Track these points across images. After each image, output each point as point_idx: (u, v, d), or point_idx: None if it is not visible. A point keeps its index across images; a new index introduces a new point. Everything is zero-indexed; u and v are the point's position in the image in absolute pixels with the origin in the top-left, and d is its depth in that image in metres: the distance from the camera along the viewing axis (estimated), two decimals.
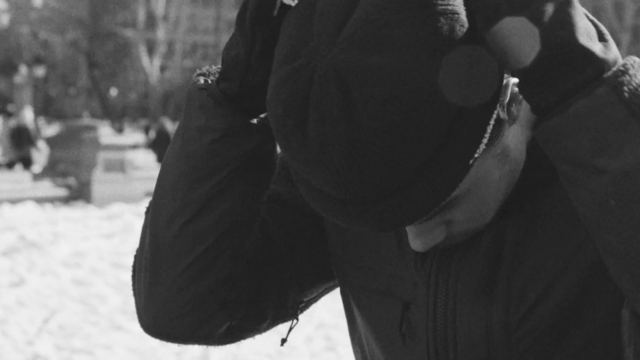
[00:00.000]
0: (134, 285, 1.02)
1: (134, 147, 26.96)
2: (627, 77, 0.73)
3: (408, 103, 0.72)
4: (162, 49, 50.11)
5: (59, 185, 12.94)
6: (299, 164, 0.78)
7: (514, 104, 0.84)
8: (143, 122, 51.75)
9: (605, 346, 0.86)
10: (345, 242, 1.01)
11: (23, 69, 35.24)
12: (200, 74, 0.96)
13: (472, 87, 0.75)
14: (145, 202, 5.87)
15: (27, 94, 32.59)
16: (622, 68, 0.74)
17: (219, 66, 0.95)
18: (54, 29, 54.22)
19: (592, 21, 0.82)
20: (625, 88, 0.73)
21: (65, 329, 6.06)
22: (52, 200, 12.50)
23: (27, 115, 19.53)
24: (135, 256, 1.01)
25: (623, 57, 0.79)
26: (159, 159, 19.06)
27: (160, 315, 0.98)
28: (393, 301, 0.95)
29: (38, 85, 39.43)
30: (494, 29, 0.74)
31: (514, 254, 0.88)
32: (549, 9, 0.74)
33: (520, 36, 0.74)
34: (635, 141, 0.72)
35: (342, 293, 1.06)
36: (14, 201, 11.90)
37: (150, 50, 50.20)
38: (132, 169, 14.44)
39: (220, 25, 57.45)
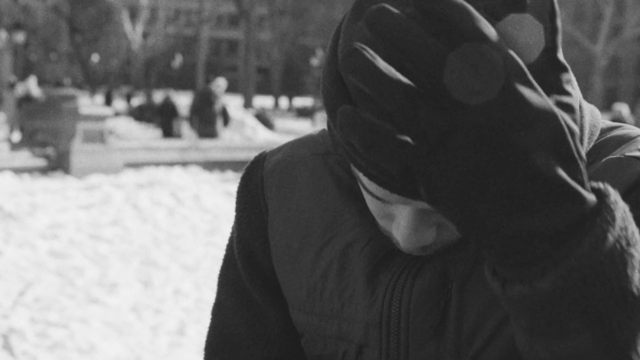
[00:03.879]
0: None
1: (116, 114, 26.85)
2: (578, 281, 0.61)
3: None
4: (145, 15, 49.64)
5: (37, 156, 12.87)
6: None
7: None
8: (125, 89, 51.45)
9: None
10: (298, 293, 1.02)
11: (3, 34, 34.83)
12: None
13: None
14: (125, 174, 5.85)
15: (6, 59, 32.26)
16: (574, 264, 0.61)
17: None
18: None
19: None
20: (574, 294, 0.62)
21: (41, 302, 6.08)
22: (30, 170, 12.43)
23: (33, 85, 19.47)
24: None
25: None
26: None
27: None
28: (347, 344, 0.96)
29: (18, 51, 38.99)
30: None
31: (462, 294, 0.88)
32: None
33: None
34: (572, 337, 0.63)
35: (302, 341, 1.06)
36: None
37: (133, 16, 49.72)
38: (114, 137, 14.37)
39: None
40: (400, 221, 0.83)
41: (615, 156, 0.84)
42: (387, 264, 0.93)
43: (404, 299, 0.91)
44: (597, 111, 0.92)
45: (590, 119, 0.90)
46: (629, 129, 0.90)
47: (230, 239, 1.11)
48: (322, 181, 1.02)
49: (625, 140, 0.87)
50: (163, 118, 19.19)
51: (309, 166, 1.04)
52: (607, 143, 0.88)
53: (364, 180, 0.81)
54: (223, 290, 1.11)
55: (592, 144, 0.89)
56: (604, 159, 0.85)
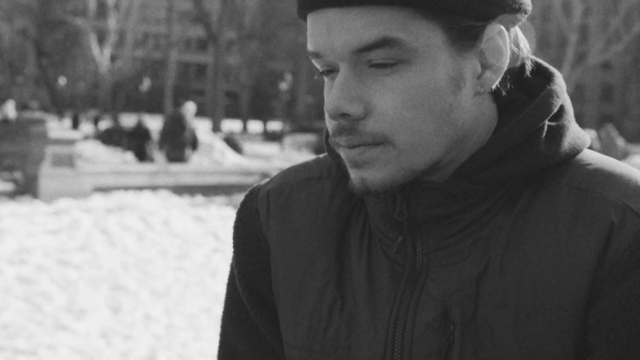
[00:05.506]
0: None
1: (84, 138, 26.70)
2: None
3: None
4: (112, 38, 49.52)
5: (5, 180, 12.73)
6: None
7: (489, 72, 0.89)
8: (92, 112, 51.16)
9: None
10: (298, 329, 1.01)
11: None
12: None
13: None
14: (93, 198, 5.85)
15: None
16: None
17: None
18: (2, 17, 53.19)
19: None
20: None
21: (9, 329, 6.00)
22: None
23: (11, 108, 19.32)
24: None
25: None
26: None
27: None
28: None
29: None
30: None
31: (464, 338, 0.89)
32: None
33: None
34: None
35: None
36: None
37: (101, 39, 49.56)
38: (81, 161, 14.25)
39: (172, 16, 56.89)
40: (334, 85, 0.88)
41: (614, 199, 0.88)
42: (382, 289, 0.94)
43: (405, 340, 0.91)
44: (586, 135, 0.96)
45: (576, 128, 0.94)
46: (612, 162, 0.93)
47: (231, 277, 1.09)
48: (321, 207, 1.01)
49: (613, 176, 0.90)
50: (136, 142, 19.15)
51: (305, 192, 1.03)
52: (596, 174, 0.91)
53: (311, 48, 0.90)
54: (230, 331, 1.08)
55: (575, 149, 0.92)
56: (600, 194, 0.88)
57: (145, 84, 57.91)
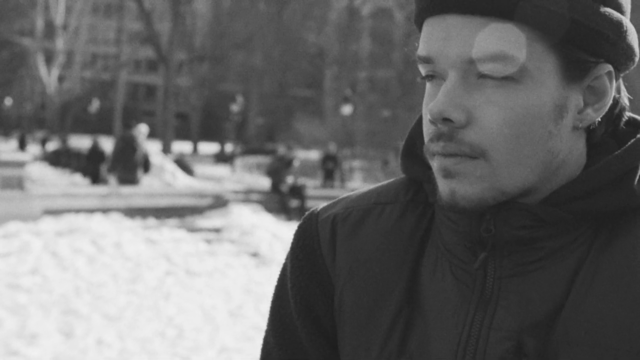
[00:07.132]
0: None
1: (32, 159, 26.36)
2: None
3: None
4: (60, 59, 49.10)
5: None
6: None
7: (590, 109, 0.91)
8: (40, 133, 50.49)
9: None
10: (365, 353, 0.99)
11: None
12: None
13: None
14: (43, 221, 5.87)
15: None
16: None
17: None
18: None
19: None
20: None
21: None
22: None
23: None
24: None
25: None
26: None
27: None
28: None
29: None
30: None
31: None
32: None
33: None
34: None
35: None
36: None
37: (49, 59, 49.08)
38: (29, 183, 14.06)
39: (122, 37, 56.55)
40: (441, 90, 0.89)
41: None
42: (450, 314, 0.94)
43: None
44: None
45: None
46: None
47: (278, 298, 1.08)
48: (391, 233, 1.01)
49: None
50: (91, 164, 18.97)
51: (373, 217, 1.03)
52: None
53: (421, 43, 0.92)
54: (274, 353, 1.08)
55: None
56: None
57: (94, 105, 57.38)
